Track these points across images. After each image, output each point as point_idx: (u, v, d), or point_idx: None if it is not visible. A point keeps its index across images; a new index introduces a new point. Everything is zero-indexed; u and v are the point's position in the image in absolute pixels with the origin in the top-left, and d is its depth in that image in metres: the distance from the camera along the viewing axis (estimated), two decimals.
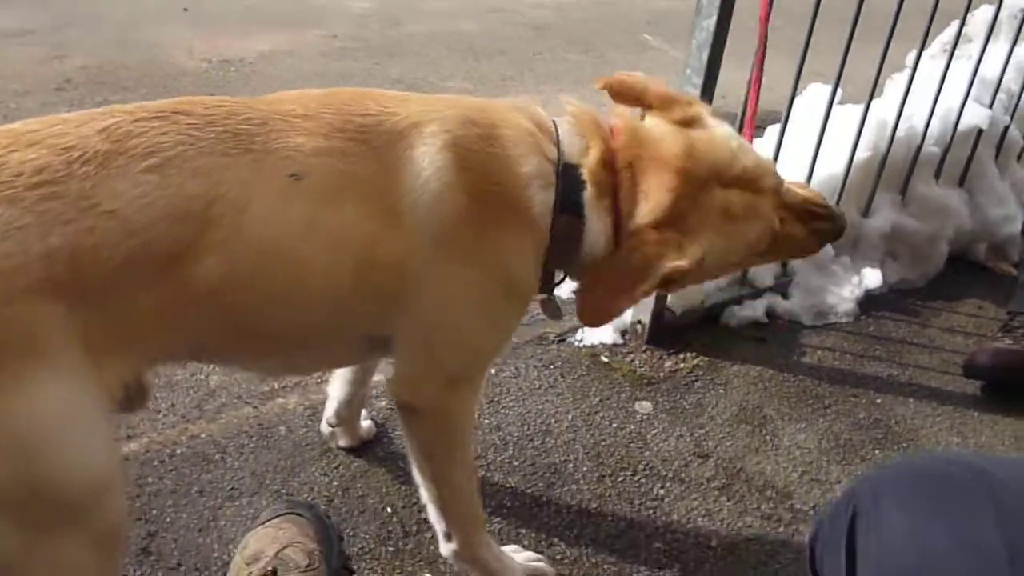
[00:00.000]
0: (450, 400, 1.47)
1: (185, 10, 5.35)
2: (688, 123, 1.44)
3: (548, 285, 1.49)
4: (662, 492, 2.03)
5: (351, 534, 1.82)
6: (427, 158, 1.28)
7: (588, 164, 1.37)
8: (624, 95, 1.50)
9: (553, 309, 1.61)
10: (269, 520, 1.66)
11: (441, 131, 1.30)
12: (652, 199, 1.36)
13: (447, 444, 1.53)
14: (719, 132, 1.46)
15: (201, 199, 1.14)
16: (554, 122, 1.42)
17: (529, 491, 1.98)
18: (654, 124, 1.44)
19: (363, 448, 2.05)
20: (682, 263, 1.34)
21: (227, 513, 1.85)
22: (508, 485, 1.99)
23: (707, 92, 2.21)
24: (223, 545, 1.77)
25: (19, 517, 1.08)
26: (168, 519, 1.82)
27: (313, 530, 1.64)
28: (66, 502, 1.11)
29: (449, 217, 1.28)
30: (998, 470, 0.90)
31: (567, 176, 1.36)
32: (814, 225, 1.58)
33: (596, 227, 1.38)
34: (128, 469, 1.93)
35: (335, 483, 1.96)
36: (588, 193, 1.37)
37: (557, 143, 1.38)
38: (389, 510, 1.89)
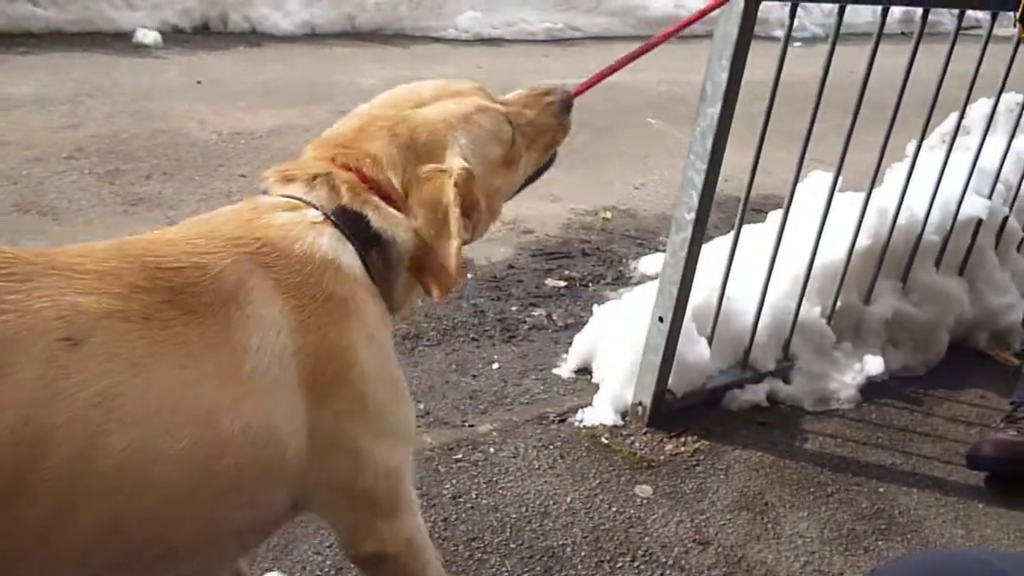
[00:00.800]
0: (401, 529, 1.36)
1: (199, 83, 5.46)
2: None
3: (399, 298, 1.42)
4: None
5: None
6: (263, 313, 1.17)
7: (346, 198, 1.31)
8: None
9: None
10: None
11: (261, 280, 1.19)
12: (384, 165, 1.35)
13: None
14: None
15: None
16: (279, 196, 1.33)
17: (526, 575, 1.94)
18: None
19: None
20: (455, 178, 1.33)
21: None
22: (505, 568, 1.96)
23: (711, 177, 2.23)
24: None
25: None
26: None
27: None
28: None
29: (301, 360, 1.18)
30: (1010, 567, 0.89)
31: (346, 219, 1.30)
32: (545, 102, 1.61)
33: (404, 236, 1.33)
34: None
35: (328, 562, 1.92)
36: (374, 217, 1.32)
37: (308, 203, 1.31)
38: None
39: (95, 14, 6.42)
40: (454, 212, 1.33)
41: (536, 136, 1.60)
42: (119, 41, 6.23)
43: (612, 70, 2.01)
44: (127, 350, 1.04)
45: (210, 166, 4.14)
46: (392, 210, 1.34)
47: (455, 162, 1.37)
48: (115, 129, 4.47)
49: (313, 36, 7.24)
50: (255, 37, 6.94)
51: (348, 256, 1.28)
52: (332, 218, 1.29)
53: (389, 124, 1.39)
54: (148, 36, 6.27)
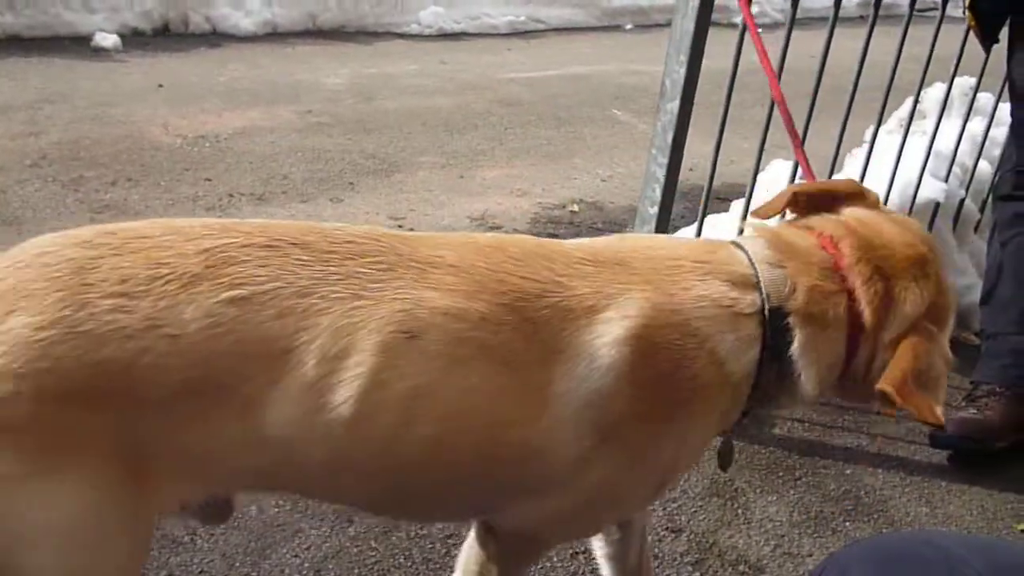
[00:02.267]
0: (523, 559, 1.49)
1: (161, 86, 5.42)
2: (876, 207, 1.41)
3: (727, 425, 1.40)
4: None
5: None
6: (600, 348, 1.17)
7: (795, 306, 1.26)
8: (811, 202, 1.43)
9: (728, 452, 1.60)
10: None
11: (620, 318, 1.19)
12: (911, 302, 1.28)
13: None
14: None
15: (281, 342, 1.08)
16: (749, 257, 1.29)
17: None
18: (860, 215, 1.37)
19: (334, 530, 2.04)
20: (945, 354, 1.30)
21: None
22: None
23: (672, 170, 2.28)
24: None
25: None
26: None
27: None
28: None
29: (615, 415, 1.19)
30: (962, 550, 0.92)
31: (773, 326, 1.25)
32: None
33: (810, 371, 1.28)
34: None
35: (306, 565, 1.94)
36: (798, 341, 1.26)
37: (757, 285, 1.27)
38: None
39: (52, 18, 6.36)
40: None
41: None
42: (78, 45, 6.17)
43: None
44: (452, 349, 1.12)
45: (176, 171, 4.12)
46: (835, 348, 1.29)
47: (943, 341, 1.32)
48: (77, 135, 4.43)
49: (275, 35, 7.21)
50: (216, 38, 6.89)
51: (739, 361, 1.25)
52: (767, 316, 1.26)
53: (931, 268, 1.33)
54: (107, 40, 6.21)
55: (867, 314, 1.27)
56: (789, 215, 1.47)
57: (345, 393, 1.10)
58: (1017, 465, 2.55)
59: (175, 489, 1.15)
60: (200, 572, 1.89)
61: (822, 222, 1.36)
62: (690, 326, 1.22)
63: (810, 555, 2.14)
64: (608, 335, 1.17)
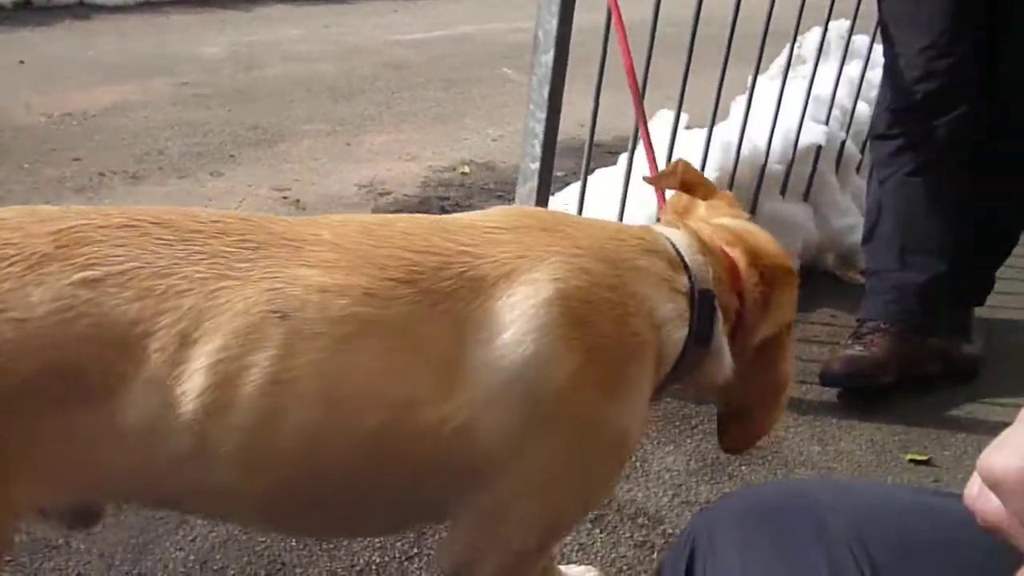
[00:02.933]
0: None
1: (21, 63, 5.10)
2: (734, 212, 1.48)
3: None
4: None
5: None
6: (526, 312, 1.09)
7: (718, 293, 1.29)
8: (689, 188, 1.51)
9: None
10: None
11: (548, 279, 1.11)
12: (782, 309, 1.39)
13: None
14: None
15: (140, 326, 0.99)
16: (672, 244, 1.29)
17: (398, 544, 1.92)
18: (742, 225, 1.44)
19: None
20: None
21: None
22: (376, 541, 1.92)
23: (551, 126, 2.23)
24: None
25: None
26: None
27: None
28: None
29: (553, 383, 1.10)
30: (827, 497, 0.92)
31: (703, 306, 1.26)
32: None
33: (725, 356, 1.30)
34: None
35: (192, 557, 1.85)
36: (720, 325, 1.28)
37: (687, 269, 1.27)
38: None
39: None
40: (787, 395, 1.42)
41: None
42: None
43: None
44: (331, 328, 1.03)
45: (40, 151, 3.88)
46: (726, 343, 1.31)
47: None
48: None
49: (147, 5, 6.86)
50: (83, 9, 6.52)
51: (675, 334, 1.23)
52: (697, 298, 1.25)
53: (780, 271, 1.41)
54: None
55: (749, 317, 1.33)
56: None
57: (208, 380, 1.01)
58: (903, 399, 2.62)
59: (33, 491, 1.05)
60: (78, 574, 1.79)
61: (715, 226, 1.40)
62: (629, 288, 1.18)
63: (707, 501, 2.15)
64: (535, 297, 1.10)
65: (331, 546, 1.90)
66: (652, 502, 2.13)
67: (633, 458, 2.27)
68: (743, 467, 2.30)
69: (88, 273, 0.99)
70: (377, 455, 1.09)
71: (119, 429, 1.01)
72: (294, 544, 1.90)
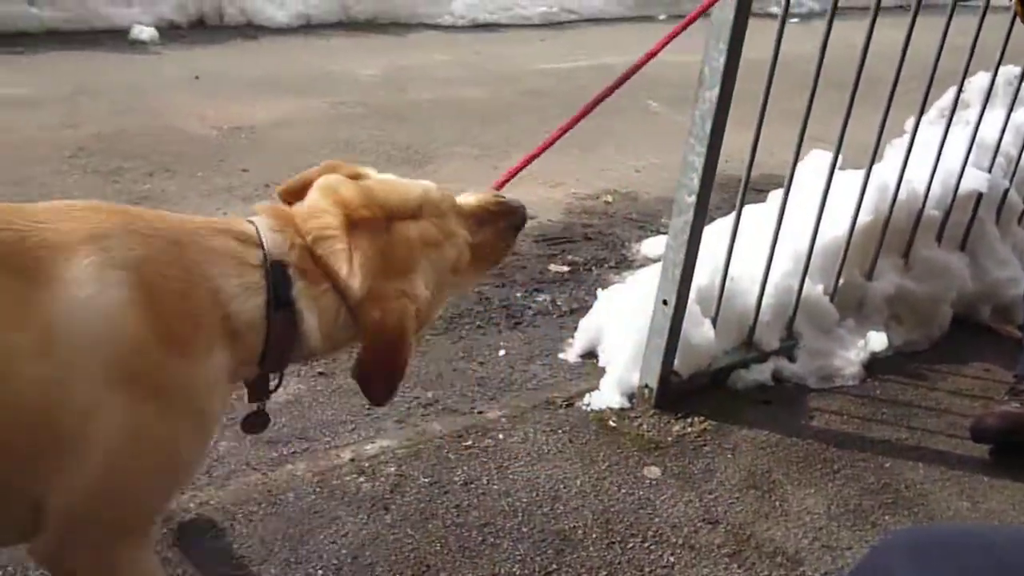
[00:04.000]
0: (117, 561, 1.28)
1: (196, 78, 5.46)
2: (356, 176, 1.53)
3: (261, 392, 1.51)
4: (672, 559, 2.01)
5: None
6: (93, 276, 1.15)
7: (292, 257, 1.37)
8: (292, 193, 1.53)
9: (261, 422, 1.62)
10: None
11: (117, 247, 1.19)
12: (356, 263, 1.39)
13: None
14: (385, 177, 1.57)
15: None
16: (255, 225, 1.38)
17: (538, 559, 1.97)
18: (324, 184, 1.48)
19: (371, 516, 2.05)
20: (417, 305, 1.41)
21: None
22: (518, 552, 1.98)
23: (711, 160, 2.25)
24: None
25: None
26: None
27: None
28: None
29: (123, 345, 1.16)
30: (1002, 539, 0.91)
31: (276, 275, 1.34)
32: (500, 224, 1.68)
33: (312, 318, 1.37)
34: None
35: (344, 551, 1.95)
36: (299, 285, 1.36)
37: (261, 245, 1.35)
38: None
39: (90, 12, 6.42)
40: (408, 346, 1.41)
41: (484, 254, 1.66)
42: (115, 39, 6.23)
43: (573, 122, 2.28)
44: None
45: (212, 162, 4.16)
46: (332, 304, 1.39)
47: (420, 291, 1.44)
48: (115, 127, 4.48)
49: (309, 27, 7.23)
50: (251, 30, 6.93)
51: (249, 303, 1.31)
52: (269, 269, 1.34)
53: (378, 224, 1.44)
54: (144, 32, 6.27)
55: (342, 273, 1.38)
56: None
57: None
58: None
59: None
60: (240, 556, 1.91)
61: (310, 197, 1.46)
62: (198, 267, 1.27)
63: (849, 548, 2.11)
64: (104, 267, 1.16)
65: (474, 554, 1.97)
66: (791, 543, 2.11)
67: (772, 497, 2.26)
68: (887, 516, 2.24)
69: None
70: None
71: None
72: (439, 548, 1.97)
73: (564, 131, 2.21)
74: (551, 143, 2.18)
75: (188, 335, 1.24)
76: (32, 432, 1.14)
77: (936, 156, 3.00)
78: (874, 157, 2.80)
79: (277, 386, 1.52)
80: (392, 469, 2.21)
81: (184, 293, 1.24)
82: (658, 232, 3.79)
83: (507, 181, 2.06)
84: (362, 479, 2.17)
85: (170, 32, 6.55)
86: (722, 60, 2.14)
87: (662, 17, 9.09)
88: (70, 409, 1.14)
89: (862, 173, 2.85)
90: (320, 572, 1.89)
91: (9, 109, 4.59)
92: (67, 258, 1.16)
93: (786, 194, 2.62)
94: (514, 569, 1.94)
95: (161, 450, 1.25)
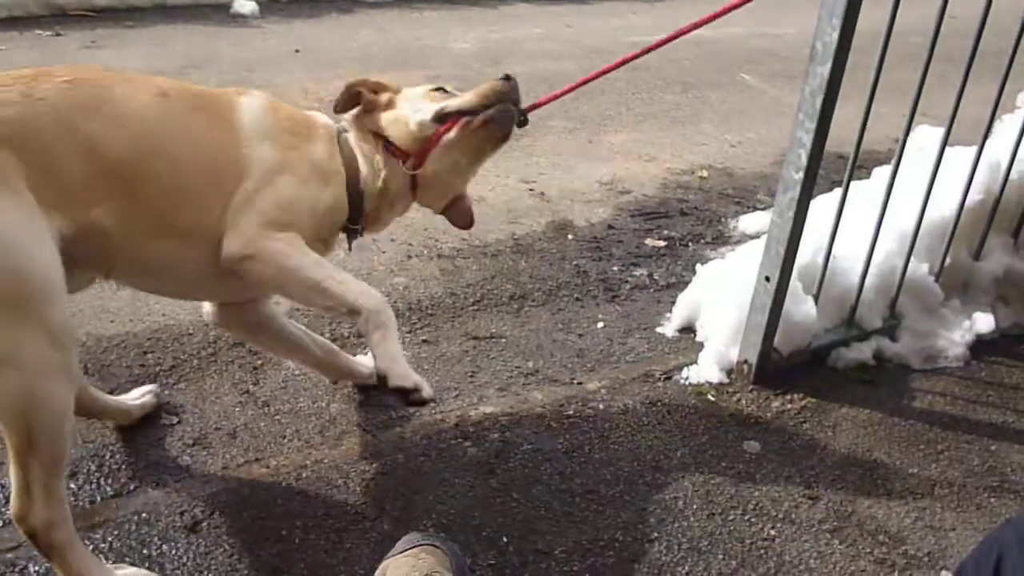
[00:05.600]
0: (267, 241, 1.84)
1: (297, 51, 5.61)
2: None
3: (353, 218, 2.08)
4: (773, 533, 2.04)
5: (468, 563, 1.89)
6: (252, 101, 1.95)
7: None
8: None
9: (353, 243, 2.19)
10: (407, 550, 1.72)
11: (261, 96, 1.98)
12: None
13: (280, 269, 1.86)
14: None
15: (95, 101, 1.70)
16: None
17: (640, 527, 2.02)
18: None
19: (478, 479, 2.12)
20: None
21: (351, 536, 1.94)
22: (620, 520, 2.03)
23: (820, 136, 2.23)
24: (349, 566, 1.85)
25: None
26: (296, 539, 1.92)
27: (450, 563, 1.70)
28: (29, 294, 1.51)
29: (270, 128, 1.92)
30: None
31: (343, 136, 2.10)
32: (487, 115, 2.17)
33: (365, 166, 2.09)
34: (257, 490, 2.05)
35: (452, 511, 2.03)
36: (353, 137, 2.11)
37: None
38: (505, 539, 1.96)
39: None
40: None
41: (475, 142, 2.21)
42: (218, 12, 6.43)
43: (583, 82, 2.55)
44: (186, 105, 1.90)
45: None
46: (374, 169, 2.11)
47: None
48: None
49: (403, 1, 7.32)
50: (347, 3, 7.07)
51: (328, 130, 2.10)
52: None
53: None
54: (245, 7, 6.45)
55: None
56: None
57: (137, 130, 1.78)
58: None
59: (59, 220, 1.62)
60: (355, 513, 2.01)
61: None
62: (302, 116, 2.06)
63: (952, 529, 2.10)
64: (258, 104, 1.95)
65: (579, 519, 2.02)
66: (894, 521, 2.11)
67: (874, 475, 2.25)
68: (992, 499, 2.22)
69: (64, 78, 1.70)
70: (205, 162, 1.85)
71: (101, 164, 1.73)
72: (544, 512, 2.04)
73: (601, 74, 2.56)
74: (581, 84, 2.57)
75: (302, 132, 2.00)
76: (223, 168, 1.87)
77: None
78: (987, 133, 2.73)
79: (357, 232, 2.13)
80: (496, 435, 2.28)
81: (295, 118, 2.02)
82: (754, 208, 3.77)
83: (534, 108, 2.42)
84: (468, 443, 2.25)
85: (270, 6, 6.73)
86: (835, 35, 2.12)
87: None
88: (247, 154, 1.89)
89: (971, 150, 2.78)
90: (431, 529, 1.97)
91: None
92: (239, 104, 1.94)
93: (894, 171, 2.58)
94: (617, 535, 1.99)
95: (295, 174, 1.93)
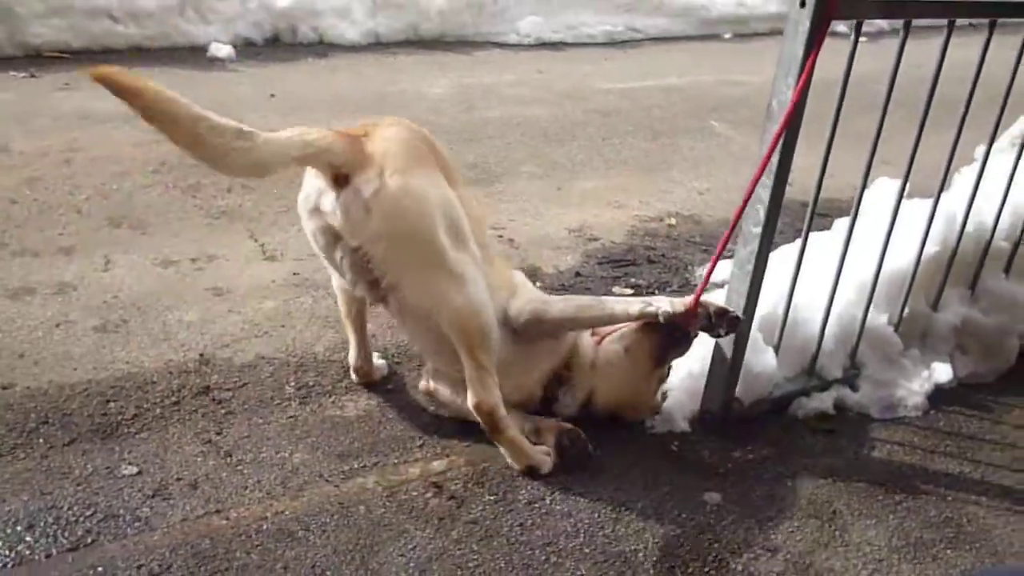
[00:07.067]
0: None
1: (272, 96, 5.65)
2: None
3: None
4: None
5: None
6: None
7: None
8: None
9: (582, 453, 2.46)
10: None
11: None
12: None
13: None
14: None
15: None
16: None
17: None
18: None
19: (438, 531, 2.12)
20: None
21: None
22: (580, 572, 2.04)
23: (777, 192, 2.29)
24: None
25: None
26: None
27: None
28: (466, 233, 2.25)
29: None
30: None
31: None
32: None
33: None
34: (216, 544, 2.03)
35: (411, 564, 2.03)
36: None
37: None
38: None
39: (172, 29, 6.67)
40: None
41: None
42: (194, 55, 6.47)
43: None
44: None
45: (287, 177, 4.24)
46: None
47: None
48: None
49: (378, 45, 7.42)
50: (322, 48, 7.13)
51: None
52: None
53: None
54: (222, 50, 6.50)
55: None
56: None
57: None
58: None
59: None
60: (313, 565, 2.00)
61: None
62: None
63: None
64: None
65: (537, 573, 2.03)
66: (851, 574, 2.13)
67: (832, 526, 2.27)
68: (948, 551, 2.24)
69: None
70: None
71: None
72: (503, 565, 2.04)
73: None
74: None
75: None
76: None
77: (1006, 186, 2.98)
78: (942, 186, 2.79)
79: None
80: (459, 486, 2.28)
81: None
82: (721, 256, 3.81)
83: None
84: (430, 494, 2.25)
85: (246, 50, 6.77)
86: (790, 95, 2.18)
87: (727, 36, 9.09)
88: None
89: (929, 202, 2.84)
90: None
91: (98, 124, 4.81)
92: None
93: (852, 222, 2.64)
94: None
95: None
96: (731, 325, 2.38)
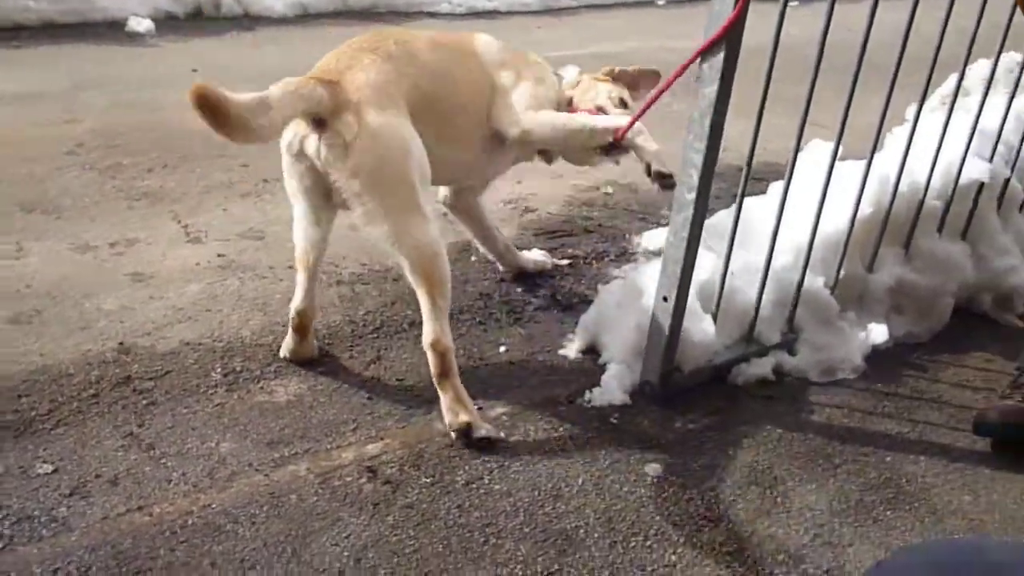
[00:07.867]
0: (535, 115, 2.68)
1: (195, 71, 5.44)
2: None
3: None
4: (674, 558, 2.02)
5: None
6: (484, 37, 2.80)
7: None
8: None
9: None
10: None
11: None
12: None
13: (554, 127, 2.68)
14: None
15: (410, 55, 2.50)
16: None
17: (540, 559, 1.98)
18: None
19: (373, 518, 2.05)
20: None
21: None
22: (520, 552, 1.99)
23: (710, 156, 2.24)
24: None
25: None
26: None
27: None
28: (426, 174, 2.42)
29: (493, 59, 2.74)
30: (1006, 557, 0.91)
31: None
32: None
33: None
34: (139, 542, 1.94)
35: (346, 553, 1.95)
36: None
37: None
38: None
39: (86, 4, 6.38)
40: None
41: None
42: (112, 31, 6.21)
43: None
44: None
45: (210, 156, 4.14)
46: None
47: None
48: (113, 122, 4.47)
49: (306, 16, 7.21)
50: (248, 21, 6.91)
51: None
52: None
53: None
54: (141, 24, 6.25)
55: None
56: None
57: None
58: None
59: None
60: (243, 560, 1.92)
61: None
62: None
63: (850, 544, 2.12)
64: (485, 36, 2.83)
65: (476, 555, 1.97)
66: (793, 540, 2.12)
67: (773, 493, 2.26)
68: (888, 512, 2.24)
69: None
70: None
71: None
72: (441, 549, 1.98)
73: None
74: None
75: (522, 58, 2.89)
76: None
77: (937, 145, 2.98)
78: (875, 147, 2.78)
79: None
80: (394, 469, 2.21)
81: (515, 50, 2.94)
82: (658, 224, 3.78)
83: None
84: (364, 480, 2.17)
85: (167, 23, 6.53)
86: (721, 56, 2.13)
87: (662, 2, 9.04)
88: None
89: (862, 164, 2.83)
90: (323, 575, 1.90)
91: (7, 105, 4.58)
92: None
93: (786, 187, 2.61)
94: (516, 570, 1.94)
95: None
96: (662, 183, 2.57)
